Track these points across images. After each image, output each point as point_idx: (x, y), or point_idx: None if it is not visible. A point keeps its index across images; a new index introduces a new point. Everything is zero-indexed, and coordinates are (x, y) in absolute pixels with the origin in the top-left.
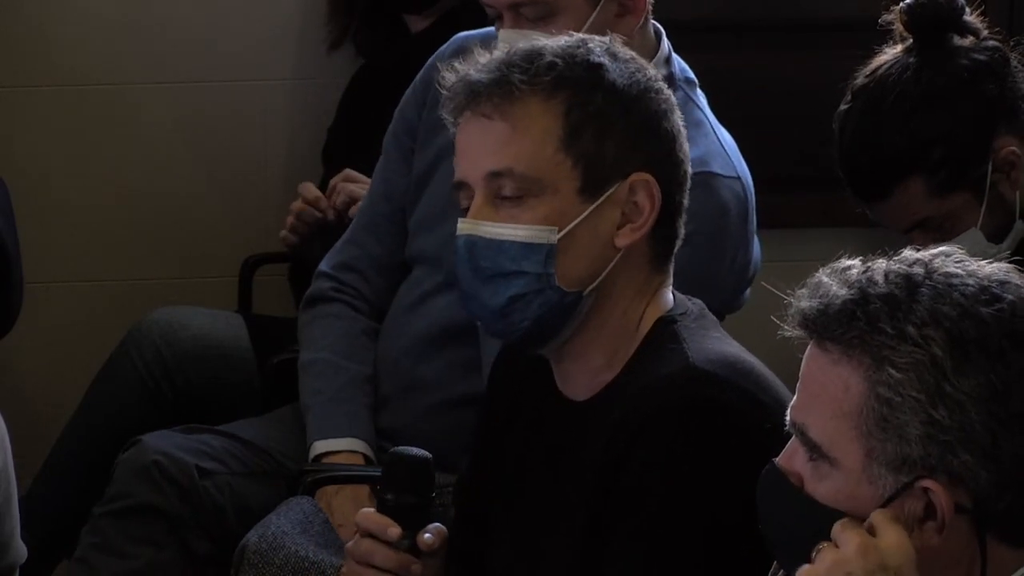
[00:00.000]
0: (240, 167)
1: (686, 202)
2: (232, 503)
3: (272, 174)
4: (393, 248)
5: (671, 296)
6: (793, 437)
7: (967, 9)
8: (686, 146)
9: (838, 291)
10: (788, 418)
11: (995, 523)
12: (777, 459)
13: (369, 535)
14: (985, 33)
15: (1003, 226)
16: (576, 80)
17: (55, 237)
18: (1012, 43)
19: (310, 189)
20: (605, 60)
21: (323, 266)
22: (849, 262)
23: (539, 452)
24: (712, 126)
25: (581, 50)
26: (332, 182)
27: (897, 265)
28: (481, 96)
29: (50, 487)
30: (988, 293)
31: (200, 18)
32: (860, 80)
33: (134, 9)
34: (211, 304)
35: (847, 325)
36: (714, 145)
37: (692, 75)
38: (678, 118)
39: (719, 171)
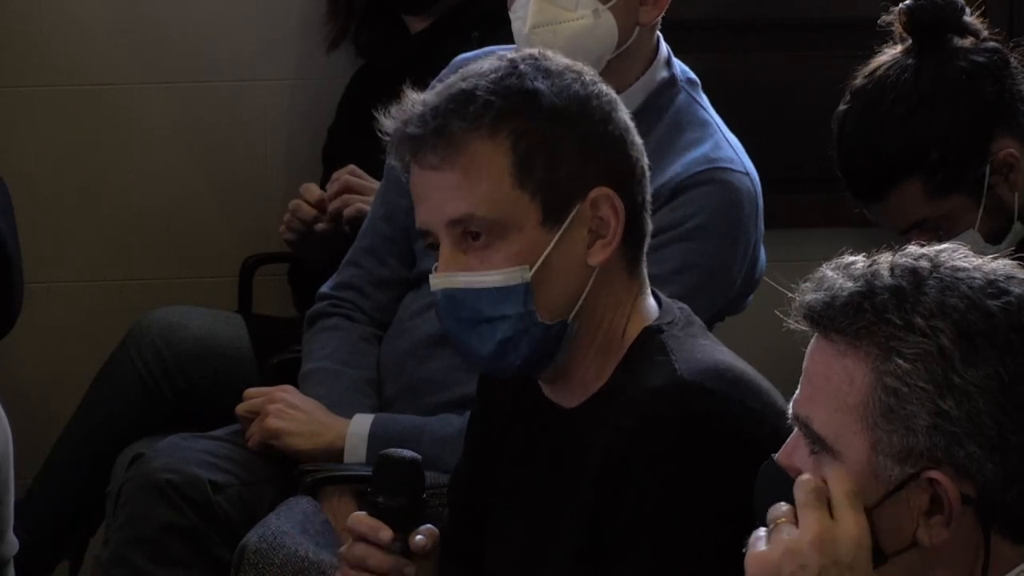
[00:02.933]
0: (240, 167)
1: (649, 197)
2: (242, 513)
3: (272, 174)
4: (395, 268)
5: (653, 302)
6: (794, 432)
7: (967, 10)
8: (638, 141)
9: (844, 283)
10: (791, 411)
11: (999, 516)
12: (777, 455)
13: (362, 539)
14: (985, 34)
15: (1001, 228)
16: (516, 111)
17: (55, 237)
18: (1012, 44)
19: (311, 190)
20: (539, 83)
21: (324, 288)
22: (853, 257)
23: (533, 457)
24: (717, 124)
25: (514, 79)
26: (336, 175)
27: (903, 259)
28: (425, 148)
29: (50, 487)
30: (995, 287)
31: (200, 18)
32: (859, 81)
33: (134, 9)
34: (211, 304)
35: (854, 316)
36: (722, 141)
37: (693, 75)
38: (623, 114)
39: (729, 166)
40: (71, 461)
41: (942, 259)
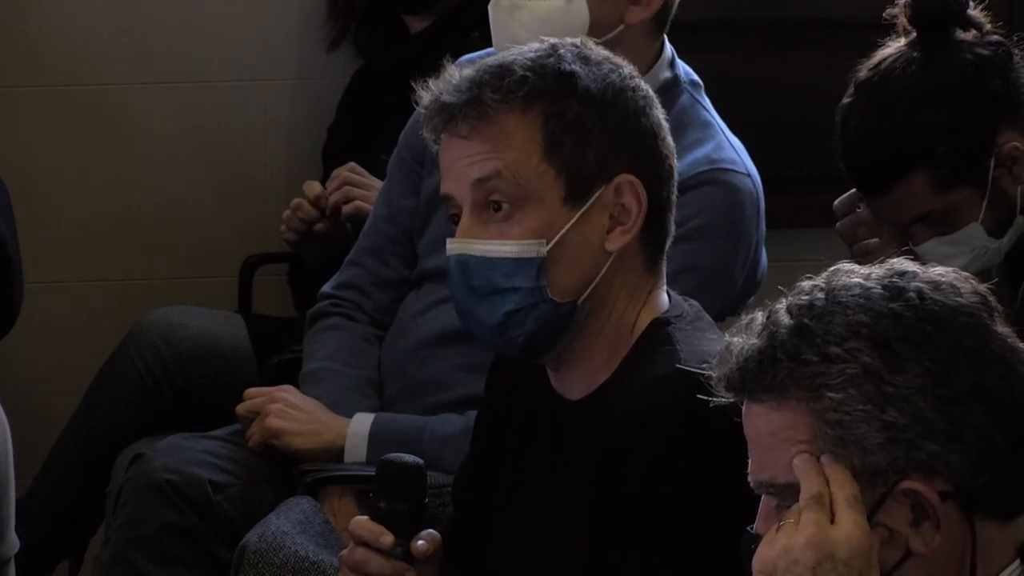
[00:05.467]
0: (240, 167)
1: (674, 197)
2: (242, 513)
3: (272, 174)
4: (396, 268)
5: (666, 298)
6: (762, 499)
7: (971, 3)
8: (669, 140)
9: (750, 344)
10: (752, 483)
11: (980, 500)
12: (753, 527)
13: (363, 543)
14: (988, 27)
15: (1003, 221)
16: (549, 91)
17: (55, 237)
18: (1015, 38)
19: (313, 187)
20: (576, 67)
21: (325, 287)
22: (749, 316)
23: (537, 450)
24: (720, 126)
25: (551, 59)
26: (335, 172)
27: (797, 298)
28: (456, 117)
29: (50, 487)
30: (891, 289)
31: (200, 18)
32: (863, 73)
33: (134, 9)
34: (211, 304)
35: (772, 371)
36: (724, 143)
37: (696, 77)
38: (658, 112)
39: (731, 167)
40: (71, 461)
41: (833, 284)
